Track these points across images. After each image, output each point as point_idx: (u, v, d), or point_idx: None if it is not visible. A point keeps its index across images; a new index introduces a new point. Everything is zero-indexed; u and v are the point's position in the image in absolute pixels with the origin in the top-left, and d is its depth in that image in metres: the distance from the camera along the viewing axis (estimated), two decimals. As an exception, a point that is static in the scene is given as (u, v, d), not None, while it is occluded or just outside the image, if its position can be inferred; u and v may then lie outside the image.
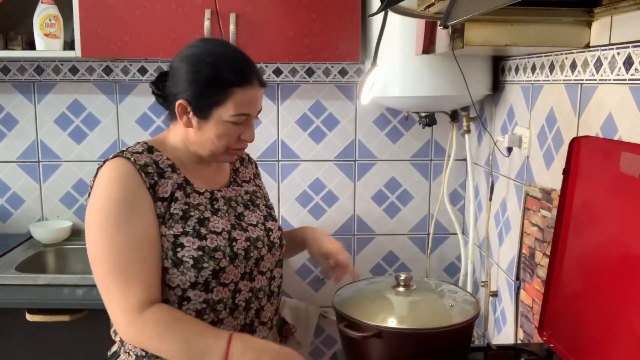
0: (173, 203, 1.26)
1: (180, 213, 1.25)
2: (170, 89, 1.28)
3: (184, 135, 1.31)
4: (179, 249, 1.23)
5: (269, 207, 1.46)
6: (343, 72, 2.30)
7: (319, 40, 1.98)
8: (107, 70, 2.29)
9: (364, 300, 1.38)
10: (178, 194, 1.27)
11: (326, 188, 2.38)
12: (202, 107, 1.26)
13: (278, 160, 2.35)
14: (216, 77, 1.24)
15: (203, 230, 1.25)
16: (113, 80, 2.30)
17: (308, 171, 2.37)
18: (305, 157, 2.36)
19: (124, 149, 1.29)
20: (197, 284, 1.23)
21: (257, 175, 1.53)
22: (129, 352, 1.27)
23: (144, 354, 1.25)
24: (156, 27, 1.95)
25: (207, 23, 1.93)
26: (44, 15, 2.02)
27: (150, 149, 1.30)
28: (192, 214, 1.26)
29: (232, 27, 1.94)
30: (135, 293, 1.17)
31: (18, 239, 2.27)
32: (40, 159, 2.34)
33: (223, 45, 1.32)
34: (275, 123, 2.33)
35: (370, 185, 2.38)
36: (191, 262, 1.23)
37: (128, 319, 1.17)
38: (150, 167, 1.25)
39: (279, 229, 1.42)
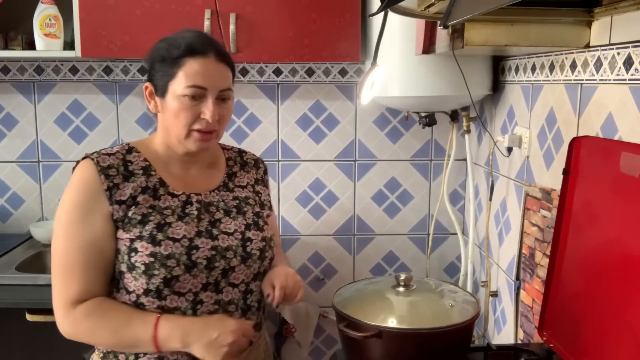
0: (133, 207, 1.23)
1: (139, 217, 1.23)
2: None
3: (162, 131, 1.30)
4: (132, 254, 1.21)
5: (259, 215, 1.38)
6: (343, 72, 2.30)
7: (319, 40, 1.98)
8: (107, 70, 2.29)
9: (364, 300, 1.38)
10: (141, 197, 1.24)
11: (326, 188, 2.38)
12: (160, 85, 1.26)
13: (278, 160, 2.35)
14: (168, 52, 1.25)
15: (159, 236, 1.22)
16: (113, 80, 2.30)
17: (308, 171, 2.37)
18: (305, 157, 2.36)
19: (102, 149, 1.30)
20: (150, 290, 1.21)
21: (260, 181, 1.47)
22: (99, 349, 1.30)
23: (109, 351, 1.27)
24: (156, 27, 1.95)
25: (207, 23, 1.93)
26: (44, 15, 2.02)
27: (129, 150, 1.30)
28: (151, 218, 1.23)
29: (232, 27, 1.94)
30: (72, 292, 1.20)
31: (18, 239, 2.27)
32: (40, 159, 2.34)
33: (187, 30, 1.31)
34: (275, 123, 2.33)
35: (370, 185, 2.38)
36: (142, 268, 1.20)
37: (62, 315, 1.21)
38: (114, 170, 1.24)
39: (265, 239, 1.34)
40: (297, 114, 2.33)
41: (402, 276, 1.39)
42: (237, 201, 1.36)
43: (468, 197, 2.24)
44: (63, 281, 1.22)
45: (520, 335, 1.74)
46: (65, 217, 1.22)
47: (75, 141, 2.33)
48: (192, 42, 1.25)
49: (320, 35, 1.98)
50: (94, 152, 1.27)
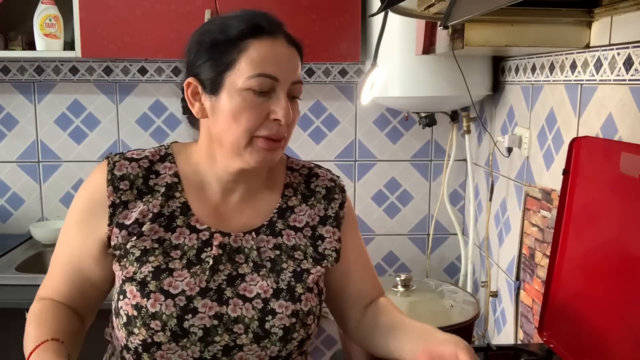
0: (135, 238, 0.98)
1: (138, 253, 0.97)
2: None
3: (208, 141, 1.02)
4: (121, 297, 0.97)
5: (301, 276, 1.01)
6: (343, 73, 2.30)
7: (319, 41, 1.98)
8: (107, 71, 2.29)
9: (364, 300, 1.38)
10: (147, 226, 0.98)
11: (326, 188, 2.38)
12: (211, 78, 0.96)
13: (278, 161, 2.35)
14: (223, 32, 0.96)
15: (151, 285, 0.95)
16: (113, 80, 2.30)
17: (308, 171, 2.36)
18: (305, 158, 2.35)
19: (136, 149, 1.07)
20: (129, 348, 0.97)
21: (328, 220, 1.09)
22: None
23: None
24: (156, 27, 1.95)
25: (207, 23, 1.93)
26: (44, 16, 2.02)
27: (164, 157, 1.05)
28: (151, 258, 0.97)
29: (232, 27, 1.94)
30: (44, 286, 1.05)
31: (18, 239, 2.27)
32: (40, 159, 2.34)
33: (240, 10, 1.02)
34: (275, 123, 2.33)
35: (370, 186, 2.38)
36: (124, 319, 0.96)
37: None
38: (127, 182, 1.00)
39: (297, 314, 0.99)
40: (297, 114, 2.33)
41: (402, 276, 1.39)
42: (278, 252, 1.03)
43: (468, 198, 2.24)
44: (46, 277, 1.06)
45: (520, 335, 1.74)
46: (66, 219, 1.06)
47: (75, 141, 2.33)
48: (256, 20, 0.96)
49: (320, 35, 1.98)
50: (119, 154, 1.04)
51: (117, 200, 0.99)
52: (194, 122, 1.06)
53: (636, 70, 1.17)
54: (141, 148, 1.08)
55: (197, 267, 0.98)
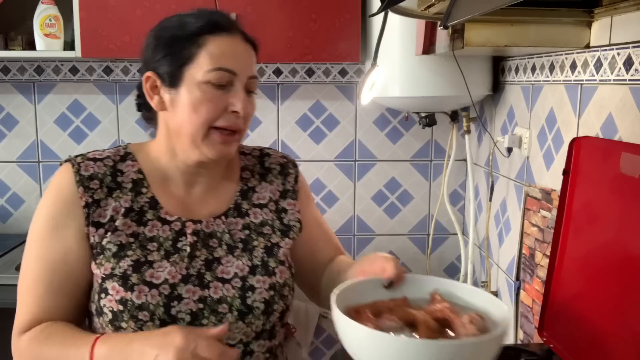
0: (109, 233, 1.00)
1: (114, 249, 0.99)
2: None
3: (166, 135, 1.06)
4: (102, 295, 0.98)
5: (271, 251, 1.08)
6: (343, 73, 2.30)
7: (319, 41, 1.98)
8: (107, 71, 2.29)
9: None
10: (121, 221, 1.00)
11: (326, 188, 2.38)
12: (171, 72, 1.00)
13: (278, 161, 2.35)
14: (181, 28, 1.00)
15: (133, 278, 0.97)
16: (113, 80, 2.30)
17: (308, 171, 2.36)
18: (305, 158, 2.36)
19: (93, 150, 1.10)
20: (96, 335, 0.97)
21: (287, 193, 1.16)
22: None
23: None
24: (156, 27, 1.95)
25: (207, 23, 1.93)
26: (44, 16, 2.02)
27: (125, 156, 1.08)
28: (129, 252, 0.99)
29: (232, 27, 1.94)
30: (25, 317, 1.01)
31: (18, 239, 2.26)
32: (40, 159, 2.34)
33: (197, 8, 1.06)
34: (275, 123, 2.33)
35: (370, 186, 2.38)
36: (110, 316, 0.98)
37: (13, 345, 1.01)
38: (96, 181, 1.02)
39: (275, 287, 1.05)
40: (297, 114, 2.33)
41: (402, 276, 1.38)
42: (247, 231, 1.09)
43: (468, 198, 2.24)
44: (21, 305, 1.02)
45: (520, 335, 1.74)
46: (35, 232, 1.02)
47: (75, 141, 2.33)
48: (214, 17, 1.01)
49: (320, 35, 1.98)
50: (79, 155, 1.07)
51: (90, 200, 1.01)
52: (149, 118, 1.11)
53: (636, 70, 1.17)
54: (99, 149, 1.11)
55: (176, 255, 1.01)
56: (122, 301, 0.97)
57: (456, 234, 2.33)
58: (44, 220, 1.02)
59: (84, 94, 2.31)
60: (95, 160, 1.06)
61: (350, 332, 0.84)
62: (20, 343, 1.00)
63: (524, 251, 1.70)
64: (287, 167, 1.20)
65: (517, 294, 1.75)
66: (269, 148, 1.24)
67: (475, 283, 2.15)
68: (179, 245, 1.03)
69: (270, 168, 1.18)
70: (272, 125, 2.33)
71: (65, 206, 1.01)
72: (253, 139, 2.32)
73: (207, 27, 1.00)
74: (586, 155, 1.25)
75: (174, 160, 1.07)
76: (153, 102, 1.04)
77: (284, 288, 1.07)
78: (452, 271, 2.44)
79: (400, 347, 0.79)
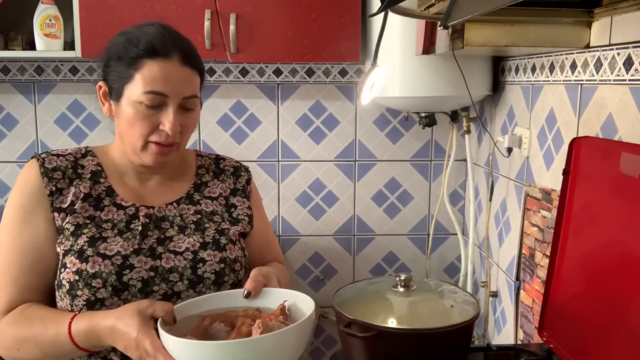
0: (69, 216, 1.10)
1: (72, 228, 1.09)
2: None
3: (117, 137, 1.18)
4: (62, 269, 1.08)
5: (223, 232, 1.17)
6: (343, 73, 2.30)
7: (319, 41, 1.98)
8: (107, 71, 2.29)
9: (364, 300, 1.38)
10: (79, 205, 1.11)
11: (326, 188, 2.38)
12: (115, 87, 1.10)
13: (278, 161, 2.35)
14: (125, 49, 1.09)
15: (89, 251, 1.07)
16: (113, 80, 2.30)
17: (308, 171, 2.37)
18: (305, 158, 2.36)
19: (58, 148, 1.20)
20: (74, 312, 1.05)
21: (238, 192, 1.27)
22: None
23: None
24: (156, 28, 1.95)
25: (207, 23, 1.93)
26: (44, 16, 2.02)
27: (85, 153, 1.19)
28: (85, 230, 1.09)
29: (232, 27, 1.94)
30: (3, 298, 1.08)
31: (18, 239, 2.27)
32: (40, 159, 2.34)
33: (150, 24, 1.14)
34: (275, 123, 2.33)
35: (370, 186, 2.38)
36: (67, 286, 1.06)
37: None
38: (59, 172, 1.13)
39: (225, 261, 1.14)
40: (297, 114, 2.33)
41: (402, 276, 1.38)
42: (199, 216, 1.18)
43: (468, 198, 2.24)
44: None
45: (520, 335, 1.74)
46: (6, 221, 1.12)
47: (75, 141, 2.33)
48: (153, 41, 1.08)
49: (320, 35, 1.98)
50: (44, 152, 1.17)
51: (54, 188, 1.11)
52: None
53: (636, 70, 1.17)
54: (60, 148, 1.21)
55: (128, 233, 1.11)
56: (78, 272, 1.05)
57: (456, 234, 2.33)
58: (14, 209, 1.11)
59: (84, 94, 2.31)
60: (58, 155, 1.16)
61: (166, 343, 0.95)
62: (1, 326, 1.07)
63: (524, 251, 1.70)
64: (239, 169, 1.30)
65: (517, 294, 1.75)
66: (222, 156, 1.34)
67: (475, 283, 2.15)
68: (132, 226, 1.12)
69: (224, 169, 1.28)
70: (272, 125, 2.33)
71: (33, 195, 1.11)
72: (253, 139, 2.33)
73: (145, 51, 1.07)
74: (586, 155, 1.25)
75: (125, 159, 1.18)
76: (104, 108, 1.16)
77: (235, 263, 1.16)
78: (452, 271, 2.44)
79: (199, 349, 0.91)
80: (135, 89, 1.07)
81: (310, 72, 2.30)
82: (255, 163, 2.33)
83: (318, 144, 2.35)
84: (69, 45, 2.09)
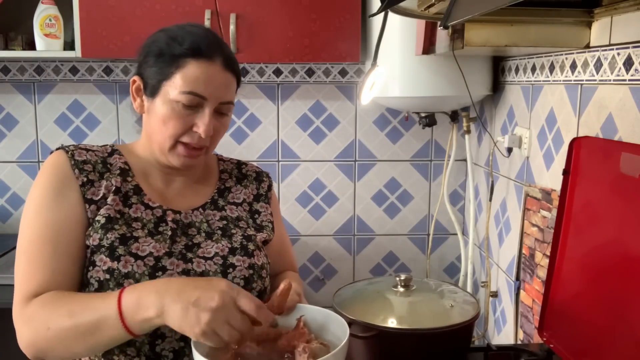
0: (101, 208, 1.06)
1: (103, 220, 1.04)
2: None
3: (145, 135, 1.14)
4: (90, 268, 1.03)
5: (250, 239, 1.16)
6: (343, 73, 2.30)
7: (319, 41, 1.98)
8: (107, 71, 2.29)
9: (364, 300, 1.38)
10: (111, 197, 1.07)
11: (326, 188, 2.38)
12: (152, 83, 1.08)
13: (278, 161, 2.35)
14: (168, 46, 1.07)
15: (120, 250, 1.02)
16: (113, 80, 2.30)
17: (308, 171, 2.37)
18: (305, 158, 2.36)
19: (81, 143, 1.17)
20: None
21: (261, 198, 1.26)
22: None
23: None
24: (156, 27, 1.92)
25: (207, 23, 1.93)
26: (44, 16, 2.02)
27: (112, 152, 1.15)
28: (116, 226, 1.04)
29: (232, 27, 1.94)
30: (33, 284, 1.00)
31: (18, 239, 2.27)
32: (40, 159, 2.34)
33: (194, 25, 1.13)
34: (275, 123, 2.33)
35: (370, 186, 2.38)
36: (95, 285, 1.02)
37: (18, 313, 1.00)
38: (89, 165, 1.09)
39: (254, 267, 1.12)
40: (297, 114, 2.33)
41: (402, 276, 1.38)
42: (225, 222, 1.17)
43: (468, 198, 2.24)
44: (25, 274, 1.01)
45: (520, 335, 1.74)
46: (33, 204, 1.05)
47: (75, 141, 2.33)
48: (199, 41, 1.07)
49: (320, 35, 1.98)
50: (71, 145, 1.13)
51: (85, 179, 1.07)
52: (140, 118, 1.18)
53: (636, 70, 1.17)
54: (83, 143, 1.18)
55: (159, 236, 1.08)
56: (109, 270, 1.01)
57: (456, 234, 2.33)
58: (44, 190, 1.05)
59: (84, 94, 2.31)
60: (87, 150, 1.13)
61: None
62: (27, 309, 0.98)
63: (524, 251, 1.70)
64: (262, 175, 1.30)
65: (517, 294, 1.75)
66: (243, 161, 1.33)
67: (475, 283, 2.15)
68: (161, 229, 1.09)
69: (247, 175, 1.28)
70: (272, 125, 2.33)
71: (64, 179, 1.06)
72: (253, 139, 2.33)
73: (189, 51, 1.06)
74: (586, 155, 1.25)
75: (152, 158, 1.15)
76: (135, 104, 1.13)
77: (262, 270, 1.14)
78: (452, 271, 2.44)
79: None
80: (174, 88, 1.05)
81: (310, 72, 2.30)
82: (255, 163, 2.33)
83: (318, 144, 2.35)
84: (69, 45, 2.09)
